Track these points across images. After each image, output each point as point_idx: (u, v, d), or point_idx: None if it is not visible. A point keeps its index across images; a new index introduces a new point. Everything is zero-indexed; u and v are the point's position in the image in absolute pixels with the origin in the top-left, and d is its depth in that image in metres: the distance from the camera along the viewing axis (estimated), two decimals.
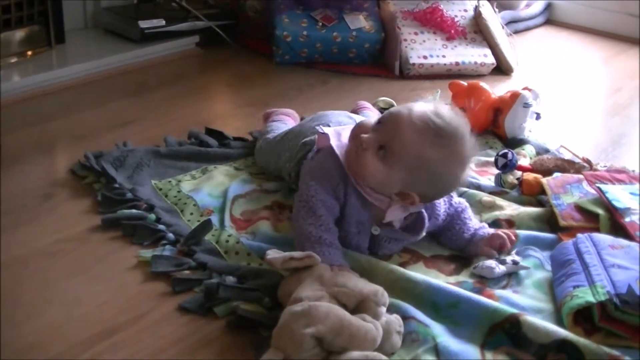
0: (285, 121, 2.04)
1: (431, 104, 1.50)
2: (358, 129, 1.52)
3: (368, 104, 2.17)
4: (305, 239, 1.47)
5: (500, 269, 1.50)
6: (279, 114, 2.09)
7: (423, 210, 1.56)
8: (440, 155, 1.46)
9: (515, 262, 1.52)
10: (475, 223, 1.64)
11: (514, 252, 1.58)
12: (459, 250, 1.62)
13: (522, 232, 1.65)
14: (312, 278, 1.32)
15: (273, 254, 1.37)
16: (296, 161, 1.70)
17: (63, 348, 1.31)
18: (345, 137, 1.58)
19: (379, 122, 1.51)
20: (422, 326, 1.34)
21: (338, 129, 1.62)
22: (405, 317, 1.34)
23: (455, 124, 1.48)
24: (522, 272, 1.52)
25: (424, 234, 1.58)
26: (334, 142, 1.56)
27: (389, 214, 1.53)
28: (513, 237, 1.60)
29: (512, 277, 1.51)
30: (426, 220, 1.57)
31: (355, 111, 2.11)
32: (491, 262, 1.52)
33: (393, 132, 1.46)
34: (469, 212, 1.66)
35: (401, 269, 1.48)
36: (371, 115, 2.04)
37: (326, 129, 1.60)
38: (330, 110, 1.87)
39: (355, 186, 1.52)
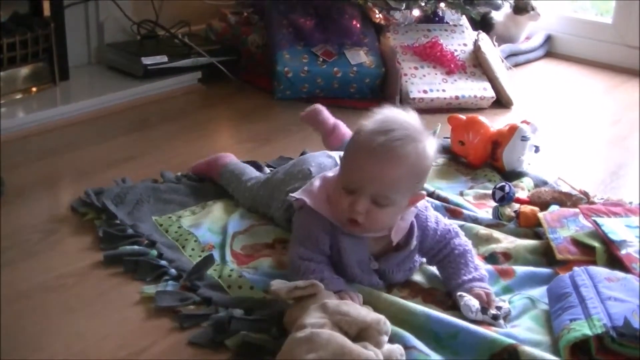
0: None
1: (366, 127, 1.52)
2: (346, 206, 1.49)
3: None
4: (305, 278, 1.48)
5: (475, 314, 1.47)
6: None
7: (413, 220, 1.57)
8: (415, 149, 1.47)
9: (495, 317, 1.47)
10: (472, 270, 1.58)
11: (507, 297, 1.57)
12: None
13: (519, 269, 1.65)
14: (315, 306, 1.34)
15: (278, 284, 1.40)
16: (285, 208, 1.73)
17: None
18: (324, 184, 1.59)
19: (350, 190, 1.48)
20: (422, 355, 1.35)
21: (309, 187, 1.60)
22: (407, 347, 1.36)
23: (392, 118, 1.52)
24: (519, 306, 1.53)
25: (415, 242, 1.57)
26: (312, 203, 1.55)
27: (394, 236, 1.54)
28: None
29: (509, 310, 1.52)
30: (415, 229, 1.57)
31: None
32: (473, 305, 1.48)
33: (373, 184, 1.46)
34: (471, 256, 1.61)
35: (402, 301, 1.50)
36: None
37: (297, 194, 1.59)
38: (309, 153, 1.90)
39: (345, 232, 1.53)
